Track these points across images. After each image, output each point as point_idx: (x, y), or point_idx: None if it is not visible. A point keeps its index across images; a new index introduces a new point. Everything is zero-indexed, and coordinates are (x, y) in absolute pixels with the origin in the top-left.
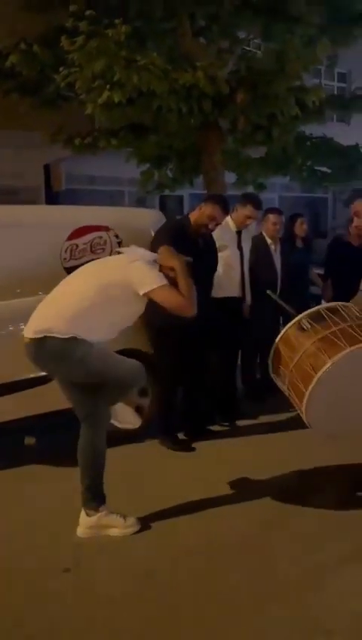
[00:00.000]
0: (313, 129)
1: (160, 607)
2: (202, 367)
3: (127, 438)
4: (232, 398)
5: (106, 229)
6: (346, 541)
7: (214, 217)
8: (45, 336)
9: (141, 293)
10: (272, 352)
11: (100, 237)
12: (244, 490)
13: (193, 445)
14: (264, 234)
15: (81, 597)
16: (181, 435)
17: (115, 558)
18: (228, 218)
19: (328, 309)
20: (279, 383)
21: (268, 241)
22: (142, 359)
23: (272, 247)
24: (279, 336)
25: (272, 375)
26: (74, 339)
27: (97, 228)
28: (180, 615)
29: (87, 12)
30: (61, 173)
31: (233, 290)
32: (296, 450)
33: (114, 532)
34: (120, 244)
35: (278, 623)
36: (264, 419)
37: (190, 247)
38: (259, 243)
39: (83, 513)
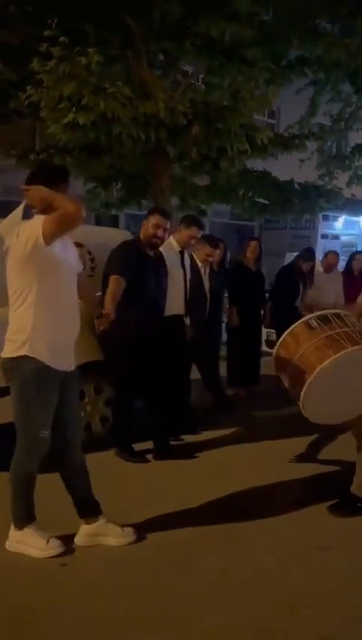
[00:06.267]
0: (254, 163)
1: (148, 594)
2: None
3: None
4: (179, 414)
5: (80, 245)
6: (308, 533)
7: (157, 224)
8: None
9: (44, 243)
10: (279, 342)
11: None
12: (207, 493)
13: (148, 457)
14: (195, 256)
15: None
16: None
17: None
18: (171, 238)
19: (333, 313)
20: (280, 373)
21: (199, 263)
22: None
23: (202, 269)
24: (289, 329)
25: (274, 364)
26: (25, 357)
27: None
28: (167, 600)
29: (62, 38)
30: None
31: (178, 309)
32: (251, 460)
33: (33, 552)
34: (92, 260)
35: (258, 597)
36: (208, 435)
37: (143, 261)
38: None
39: (12, 526)
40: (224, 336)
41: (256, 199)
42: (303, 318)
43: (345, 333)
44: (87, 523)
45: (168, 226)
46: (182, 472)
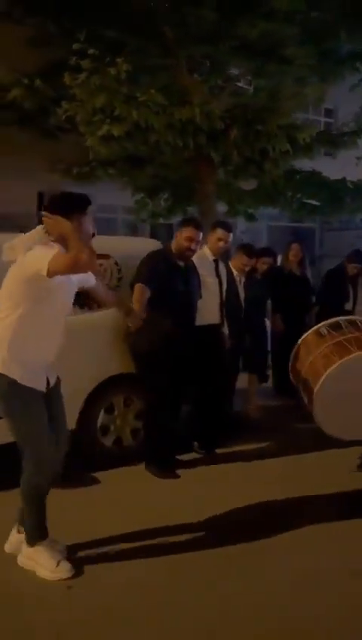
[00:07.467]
0: (302, 163)
1: (154, 622)
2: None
3: (121, 461)
4: (213, 426)
5: (106, 256)
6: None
7: (191, 237)
8: None
9: (46, 276)
10: (293, 353)
11: (100, 264)
12: (228, 512)
13: (178, 472)
14: (231, 265)
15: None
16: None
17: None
18: (205, 248)
19: (347, 320)
20: (295, 383)
21: (235, 272)
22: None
23: (238, 278)
24: (301, 339)
25: (290, 375)
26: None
27: (97, 256)
28: (175, 628)
29: (91, 51)
30: None
31: (213, 318)
32: (275, 476)
33: (42, 572)
34: (119, 271)
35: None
36: (243, 447)
37: (172, 271)
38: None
39: (25, 543)
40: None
41: (306, 200)
42: (314, 327)
43: (356, 338)
44: (19, 532)
45: (200, 238)
46: (211, 487)
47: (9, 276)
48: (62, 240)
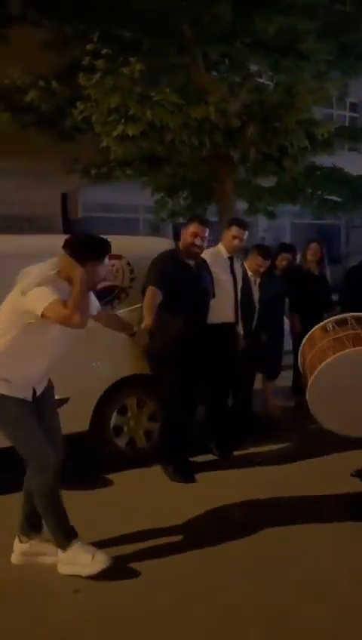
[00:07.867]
0: (323, 159)
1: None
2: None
3: (134, 462)
4: (228, 428)
5: (119, 257)
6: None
7: (195, 233)
8: None
9: (39, 315)
10: (301, 349)
11: (112, 265)
12: (236, 514)
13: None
14: (245, 265)
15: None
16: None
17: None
18: (220, 245)
19: (355, 317)
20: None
21: (249, 272)
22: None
23: (253, 278)
24: (308, 334)
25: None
26: None
27: (109, 256)
28: (181, 624)
29: (104, 51)
30: (78, 201)
31: (228, 316)
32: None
33: (83, 571)
34: (132, 271)
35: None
36: (259, 449)
37: (182, 271)
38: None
39: (59, 551)
40: (289, 344)
41: (327, 197)
42: (321, 322)
43: (355, 335)
44: (21, 542)
45: (207, 234)
46: (223, 489)
47: (8, 301)
48: (70, 282)
